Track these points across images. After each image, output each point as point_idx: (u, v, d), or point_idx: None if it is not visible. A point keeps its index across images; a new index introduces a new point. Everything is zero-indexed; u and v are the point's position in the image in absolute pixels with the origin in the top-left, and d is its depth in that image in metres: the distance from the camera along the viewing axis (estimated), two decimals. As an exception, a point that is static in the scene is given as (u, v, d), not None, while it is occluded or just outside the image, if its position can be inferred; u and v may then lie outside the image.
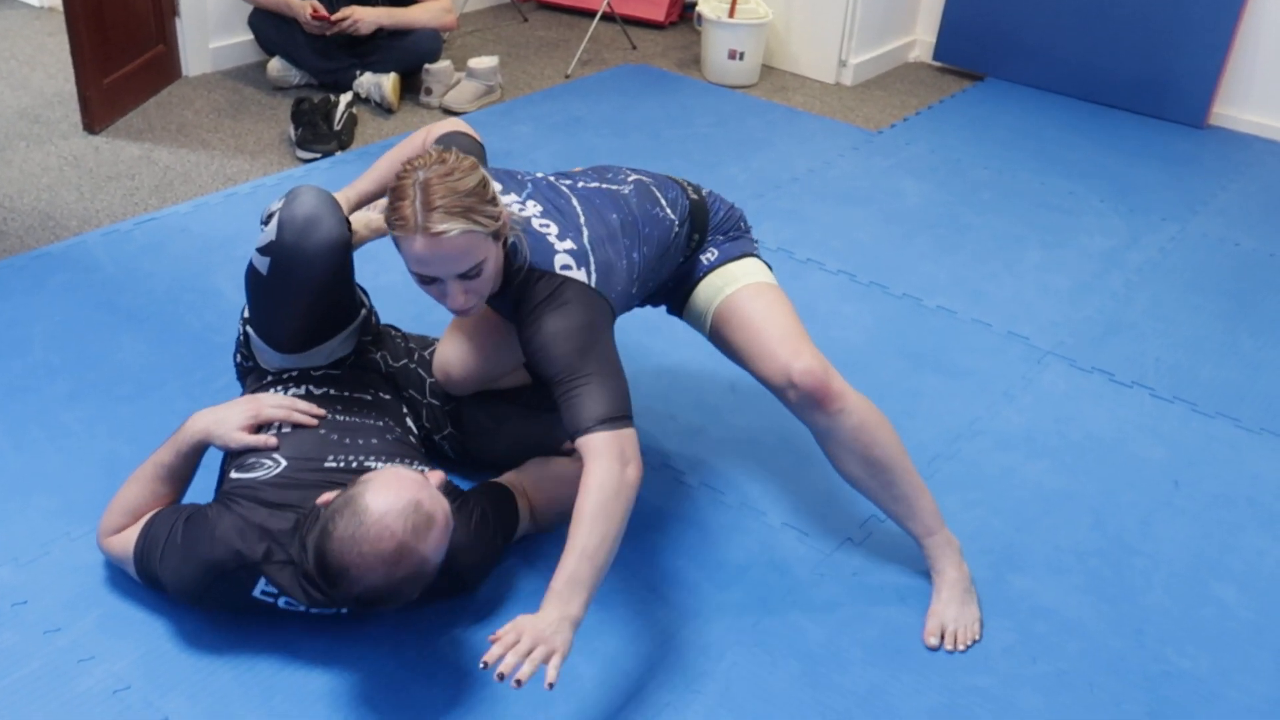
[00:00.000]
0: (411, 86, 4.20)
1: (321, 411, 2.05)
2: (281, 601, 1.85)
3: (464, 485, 2.26)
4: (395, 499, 1.69)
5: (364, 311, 2.22)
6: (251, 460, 1.96)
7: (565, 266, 1.88)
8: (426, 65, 4.13)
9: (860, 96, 4.58)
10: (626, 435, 1.79)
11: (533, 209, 1.96)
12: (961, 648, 2.03)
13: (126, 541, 1.94)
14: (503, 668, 1.58)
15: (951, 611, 2.06)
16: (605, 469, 1.75)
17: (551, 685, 1.59)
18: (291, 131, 3.72)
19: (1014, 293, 3.19)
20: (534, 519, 2.13)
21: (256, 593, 1.84)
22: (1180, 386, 2.82)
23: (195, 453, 2.01)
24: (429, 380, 2.26)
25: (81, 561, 2.07)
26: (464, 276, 1.79)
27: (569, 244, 1.91)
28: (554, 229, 1.93)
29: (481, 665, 1.61)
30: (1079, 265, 3.36)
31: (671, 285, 2.19)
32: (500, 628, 1.64)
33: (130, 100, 3.90)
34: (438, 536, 1.72)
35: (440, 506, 1.74)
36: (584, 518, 1.73)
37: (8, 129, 3.72)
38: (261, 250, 1.99)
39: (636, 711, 1.87)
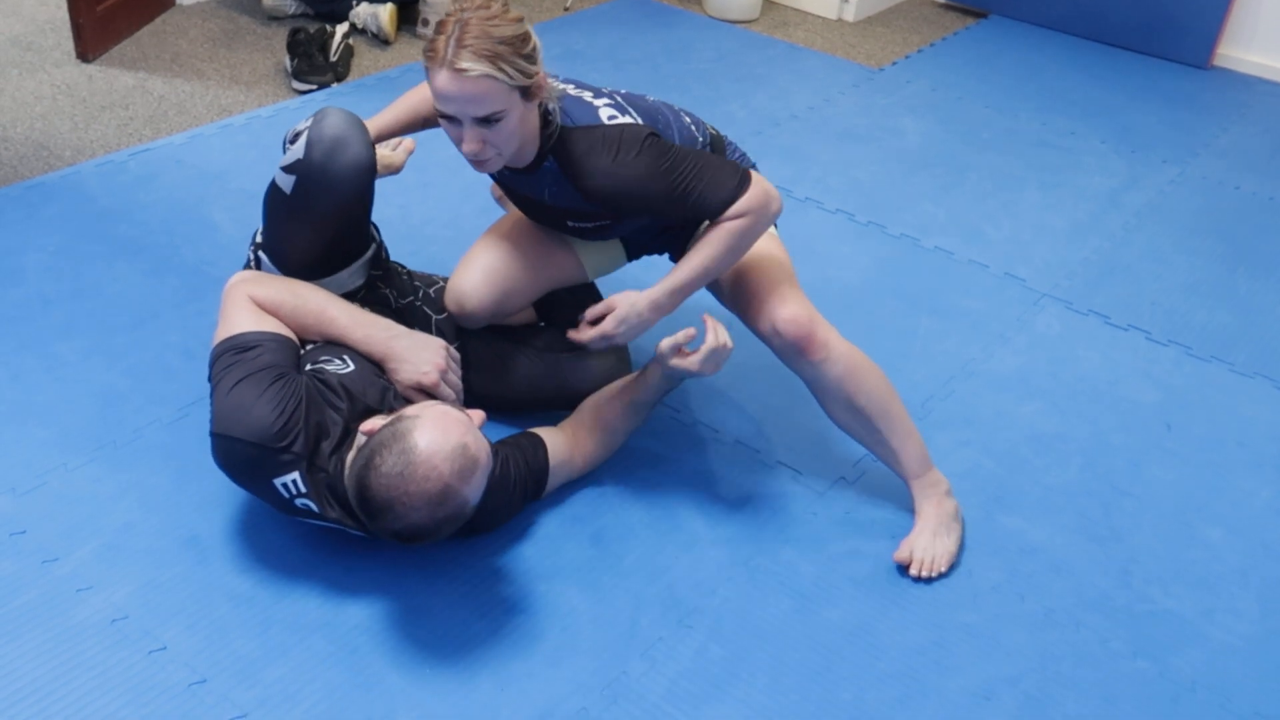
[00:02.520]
0: (408, 18, 4.15)
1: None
2: (299, 501, 1.85)
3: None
4: (444, 440, 1.70)
5: (374, 245, 2.21)
6: (326, 356, 1.96)
7: (612, 116, 1.93)
8: (424, -4, 4.08)
9: (862, 33, 4.53)
10: (754, 182, 1.94)
11: (569, 86, 2.01)
12: (926, 575, 2.06)
13: (243, 323, 1.91)
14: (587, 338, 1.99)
15: (922, 541, 2.09)
16: (742, 216, 1.93)
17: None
18: (287, 63, 3.68)
19: (1012, 233, 3.18)
20: (579, 463, 2.13)
21: (278, 482, 1.83)
22: (1175, 330, 2.83)
23: (363, 351, 2.00)
24: (435, 318, 2.25)
25: (79, 492, 2.08)
26: (482, 123, 1.81)
27: (606, 100, 1.97)
28: (589, 93, 1.98)
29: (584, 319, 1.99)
30: (1078, 206, 3.35)
31: (677, 227, 2.18)
32: (598, 306, 1.99)
33: (124, 28, 3.86)
34: (480, 479, 1.75)
35: (484, 449, 1.76)
36: (713, 241, 1.95)
37: (0, 56, 3.68)
38: (286, 169, 1.97)
39: (629, 645, 1.89)
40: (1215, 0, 4.26)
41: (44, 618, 1.85)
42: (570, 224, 2.08)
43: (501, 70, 1.77)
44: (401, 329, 2.04)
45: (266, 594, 1.92)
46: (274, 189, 2.01)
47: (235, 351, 1.87)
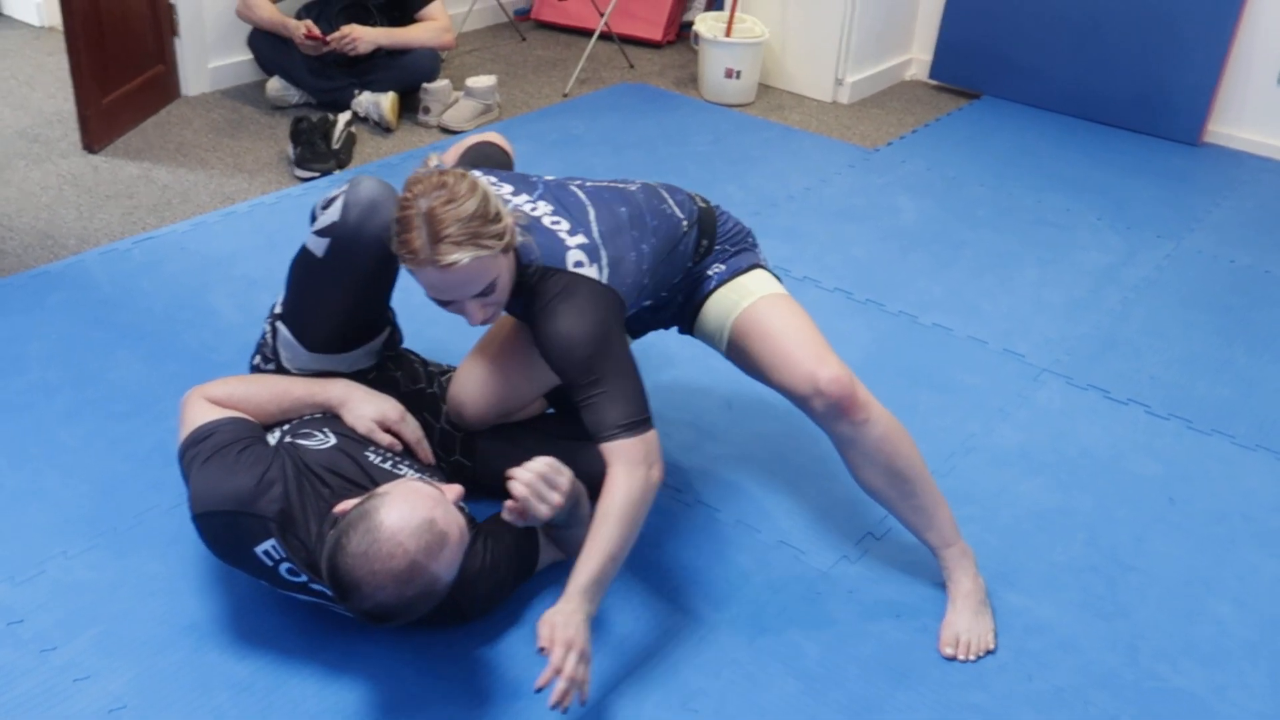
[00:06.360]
0: (410, 105, 4.22)
1: (433, 461, 2.12)
2: (283, 568, 1.85)
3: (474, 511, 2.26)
4: (410, 516, 1.69)
5: (388, 329, 2.23)
6: (306, 430, 1.99)
7: (578, 264, 1.91)
8: (425, 84, 4.15)
9: (857, 114, 4.60)
10: (648, 439, 1.87)
11: (544, 208, 2.01)
12: (974, 657, 2.04)
13: (198, 418, 1.96)
14: (557, 698, 1.69)
15: (964, 621, 2.08)
16: (628, 474, 1.83)
17: (584, 702, 1.77)
18: (290, 151, 3.73)
19: (1010, 309, 3.20)
20: (556, 547, 2.11)
21: (259, 550, 1.83)
22: (1176, 403, 2.83)
23: (319, 410, 2.06)
24: (446, 407, 2.26)
25: (78, 579, 2.07)
26: (479, 295, 1.84)
27: (580, 239, 1.95)
28: (565, 225, 1.97)
29: (535, 690, 1.71)
30: (1075, 282, 3.37)
31: (681, 301, 2.20)
32: (539, 638, 1.72)
33: (129, 119, 3.92)
34: (451, 554, 1.72)
35: (455, 523, 1.74)
36: (609, 520, 1.81)
37: (7, 148, 3.74)
38: (320, 232, 2.00)
39: (631, 729, 1.87)
40: (1204, 78, 4.33)
41: (41, 708, 1.83)
42: None
43: (483, 246, 1.78)
44: (361, 385, 2.10)
45: (265, 681, 1.90)
46: (304, 255, 2.04)
47: (194, 444, 1.92)
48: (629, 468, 1.83)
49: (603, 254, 1.94)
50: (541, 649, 1.71)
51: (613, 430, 1.84)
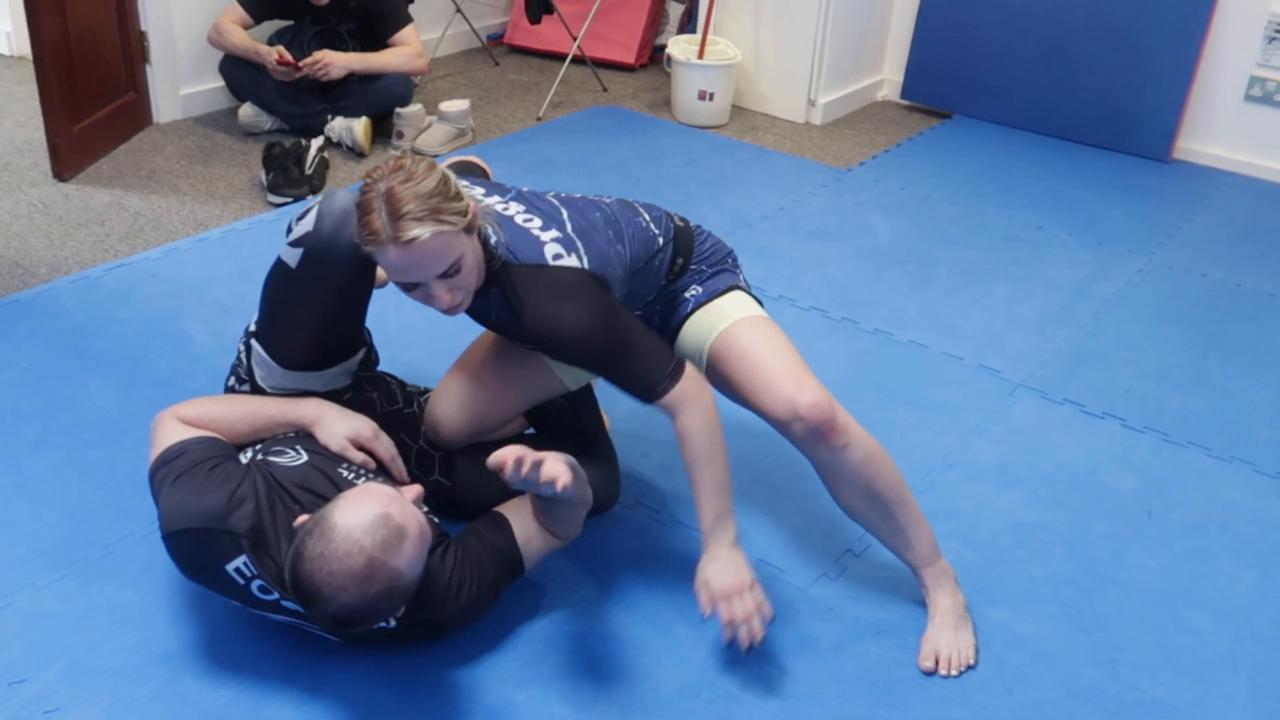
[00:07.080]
0: (383, 130, 4.22)
1: (407, 479, 2.11)
2: (255, 586, 1.82)
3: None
4: (363, 514, 1.67)
5: (364, 349, 2.22)
6: (278, 448, 1.97)
7: (557, 256, 1.92)
8: (398, 109, 4.15)
9: (829, 135, 4.63)
10: (688, 376, 1.94)
11: (515, 208, 2.01)
12: (954, 672, 2.04)
13: (169, 438, 1.94)
14: (745, 641, 1.90)
15: (945, 637, 2.07)
16: (691, 413, 1.92)
17: (769, 617, 1.94)
18: (263, 176, 3.72)
19: (984, 325, 3.21)
20: (552, 535, 2.05)
21: (230, 568, 1.81)
22: (1151, 416, 2.84)
23: (291, 429, 2.05)
24: (424, 426, 2.25)
25: (47, 610, 2.04)
26: (444, 276, 1.82)
27: (554, 233, 1.96)
28: (537, 222, 1.98)
29: (726, 644, 1.95)
30: (1048, 297, 3.39)
31: (658, 323, 2.19)
32: (700, 606, 1.90)
33: (100, 147, 3.90)
34: (411, 549, 1.70)
35: (413, 518, 1.72)
36: (701, 461, 1.93)
37: (-23, 177, 3.71)
38: (293, 243, 1.98)
39: (612, 751, 1.85)
40: (1172, 95, 4.38)
41: (10, 741, 1.80)
42: (520, 342, 2.09)
43: (444, 221, 1.76)
44: (334, 404, 2.09)
45: (240, 709, 1.87)
46: (279, 267, 2.03)
47: (165, 463, 1.90)
48: (689, 407, 1.91)
49: (579, 244, 1.95)
50: (705, 614, 1.90)
51: (662, 386, 1.91)
